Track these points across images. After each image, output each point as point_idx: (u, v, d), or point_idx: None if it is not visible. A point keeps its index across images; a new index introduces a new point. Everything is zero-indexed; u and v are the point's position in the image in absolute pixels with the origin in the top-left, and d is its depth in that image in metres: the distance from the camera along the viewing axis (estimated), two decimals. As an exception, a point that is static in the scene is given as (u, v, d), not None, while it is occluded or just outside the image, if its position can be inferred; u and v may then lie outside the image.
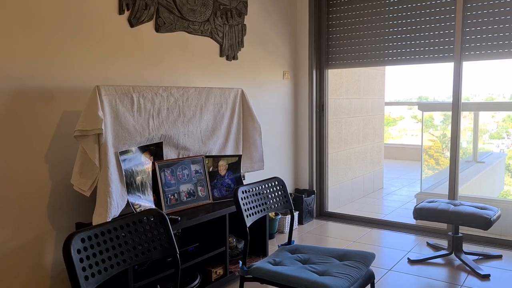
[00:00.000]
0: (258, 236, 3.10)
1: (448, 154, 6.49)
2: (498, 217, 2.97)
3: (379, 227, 4.04)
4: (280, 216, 3.82)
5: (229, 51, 3.30)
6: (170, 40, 2.86)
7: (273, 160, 4.02)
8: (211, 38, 3.15)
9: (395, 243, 3.57)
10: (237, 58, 3.39)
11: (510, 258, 3.21)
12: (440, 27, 3.57)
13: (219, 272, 2.71)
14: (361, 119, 5.44)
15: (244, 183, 2.96)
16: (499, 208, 3.06)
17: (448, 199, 3.62)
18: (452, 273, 2.96)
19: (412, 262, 3.15)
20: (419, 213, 3.11)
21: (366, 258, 1.94)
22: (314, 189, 4.33)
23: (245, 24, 3.44)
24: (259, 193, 2.04)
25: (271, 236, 3.71)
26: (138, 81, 2.67)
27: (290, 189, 4.31)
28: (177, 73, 2.94)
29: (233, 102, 3.01)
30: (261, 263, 1.92)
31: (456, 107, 3.55)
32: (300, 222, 4.11)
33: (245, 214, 1.88)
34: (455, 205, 3.13)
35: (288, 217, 3.88)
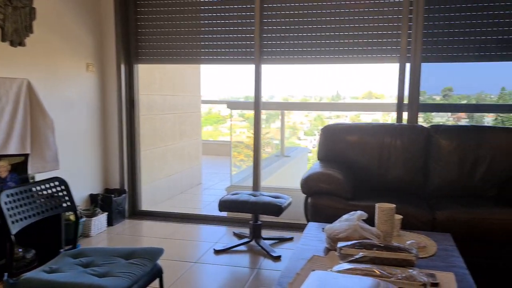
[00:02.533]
0: (55, 243, 2.81)
1: (268, 150, 7.03)
2: (289, 204, 3.29)
3: (193, 221, 4.10)
4: (84, 219, 3.55)
5: (14, 36, 2.91)
6: None
7: (77, 159, 3.71)
8: (-11, 19, 2.73)
9: (205, 236, 3.67)
10: (24, 45, 3.01)
11: (299, 238, 3.59)
12: (243, 30, 3.77)
13: (-1, 289, 2.36)
14: (177, 116, 5.45)
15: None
16: (290, 196, 3.39)
17: (253, 190, 3.87)
18: (252, 258, 3.17)
19: (217, 252, 3.27)
20: (223, 205, 3.24)
21: (152, 254, 1.90)
22: (126, 188, 4.16)
23: (34, 8, 3.07)
24: (32, 196, 1.83)
25: (72, 242, 3.41)
26: None
27: (98, 189, 4.05)
28: None
29: (17, 94, 2.66)
30: (33, 273, 1.71)
31: (257, 105, 3.81)
32: (110, 224, 3.89)
33: (10, 220, 1.65)
34: (255, 195, 3.35)
35: (96, 218, 3.63)
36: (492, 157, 3.05)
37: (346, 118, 7.00)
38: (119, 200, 3.98)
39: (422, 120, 4.83)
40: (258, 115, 3.82)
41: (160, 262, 2.00)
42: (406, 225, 2.67)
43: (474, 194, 3.07)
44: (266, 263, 3.09)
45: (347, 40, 3.57)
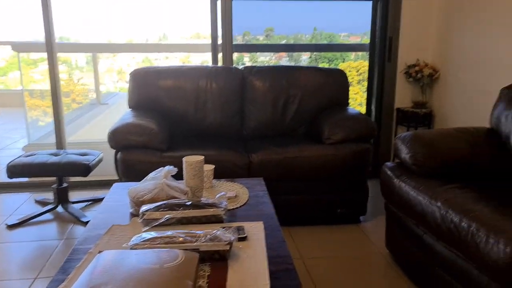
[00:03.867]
0: None
1: (93, 96, 6.21)
2: (100, 160, 2.93)
3: (-16, 192, 3.40)
4: None
5: None
6: None
7: None
8: None
9: (-1, 208, 3.07)
10: None
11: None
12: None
13: None
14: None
15: None
16: (102, 152, 3.01)
17: (56, 148, 3.35)
18: (59, 228, 2.77)
19: (11, 227, 2.76)
20: (13, 170, 2.71)
21: None
22: None
23: None
24: None
25: None
26: None
27: None
28: None
29: None
30: None
31: (50, 47, 3.20)
32: None
33: None
34: (57, 155, 2.88)
35: None
36: (301, 97, 3.17)
37: (176, 59, 6.65)
38: None
39: (248, 60, 4.82)
40: (52, 57, 3.23)
41: None
42: (224, 172, 2.60)
43: (287, 133, 3.18)
44: (76, 230, 2.73)
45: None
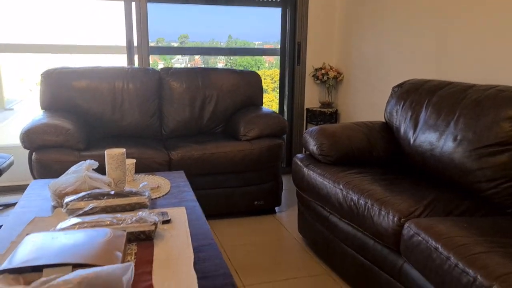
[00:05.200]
0: None
1: None
2: (11, 163, 2.82)
3: None
4: None
5: None
6: None
7: None
8: None
9: None
10: None
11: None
12: None
13: None
14: None
15: None
16: (12, 154, 2.91)
17: (-41, 152, 3.15)
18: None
19: None
20: None
21: None
22: None
23: None
24: None
25: None
26: None
27: None
28: None
29: None
30: None
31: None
32: None
33: None
34: (-38, 158, 2.73)
35: None
36: (217, 97, 3.32)
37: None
38: None
39: (163, 66, 4.85)
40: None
41: None
42: (145, 169, 2.67)
43: (205, 132, 3.31)
44: (-13, 235, 2.61)
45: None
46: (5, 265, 0.99)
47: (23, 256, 1.02)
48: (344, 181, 2.11)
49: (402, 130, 2.45)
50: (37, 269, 0.98)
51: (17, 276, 0.96)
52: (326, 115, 3.77)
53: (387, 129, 2.60)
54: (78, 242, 1.10)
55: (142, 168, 2.66)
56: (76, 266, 1.00)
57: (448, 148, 2.07)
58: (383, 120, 2.72)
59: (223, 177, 2.90)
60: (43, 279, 0.89)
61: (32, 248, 1.07)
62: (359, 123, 2.62)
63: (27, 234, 1.18)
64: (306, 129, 3.99)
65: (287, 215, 3.09)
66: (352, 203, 1.98)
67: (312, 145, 2.46)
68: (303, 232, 2.62)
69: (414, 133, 2.34)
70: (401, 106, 2.51)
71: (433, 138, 2.18)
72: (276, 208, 3.18)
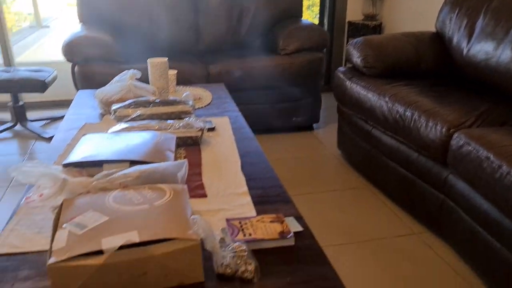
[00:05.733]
0: None
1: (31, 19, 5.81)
2: (55, 78, 2.88)
3: None
4: None
5: None
6: None
7: None
8: None
9: (-49, 130, 2.99)
10: None
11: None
12: None
13: None
14: None
15: None
16: (55, 69, 2.95)
17: (4, 66, 3.23)
18: (21, 144, 2.76)
19: (-29, 146, 2.73)
20: (-37, 88, 2.62)
21: None
22: None
23: None
24: None
25: None
26: None
27: None
28: None
29: None
30: None
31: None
32: None
33: None
34: (8, 71, 2.80)
35: None
36: (255, 9, 3.18)
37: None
38: None
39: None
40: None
41: None
42: (183, 83, 2.66)
43: (242, 46, 3.23)
44: (39, 146, 2.75)
45: None
46: (69, 159, 1.03)
47: (84, 153, 1.06)
48: (390, 93, 2.04)
49: (454, 40, 2.30)
50: (98, 164, 1.02)
51: (81, 170, 1.00)
52: (370, 28, 3.58)
53: (438, 39, 2.45)
54: (132, 142, 1.13)
55: (181, 82, 2.66)
56: (132, 163, 1.03)
57: (505, 58, 1.93)
58: (433, 31, 2.56)
59: (261, 92, 2.87)
60: (104, 172, 0.92)
61: (90, 146, 1.10)
62: (407, 33, 2.48)
63: (83, 135, 1.22)
64: (347, 44, 3.83)
65: (325, 132, 3.08)
66: (397, 116, 1.93)
67: (356, 57, 2.36)
68: (342, 148, 2.61)
69: (468, 42, 2.19)
70: (455, 13, 2.33)
71: (489, 48, 2.04)
72: (314, 125, 3.16)
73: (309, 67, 2.86)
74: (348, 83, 2.34)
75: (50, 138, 2.79)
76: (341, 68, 2.49)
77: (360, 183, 2.34)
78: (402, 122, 1.90)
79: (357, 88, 2.25)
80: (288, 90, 2.91)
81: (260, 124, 2.96)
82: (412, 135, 1.84)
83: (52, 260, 0.69)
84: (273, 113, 2.95)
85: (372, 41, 2.36)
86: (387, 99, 2.02)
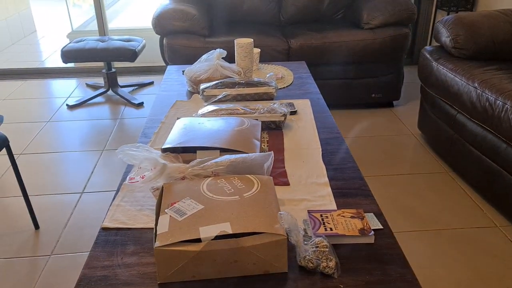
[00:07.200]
0: None
1: None
2: (143, 47, 3.05)
3: (36, 77, 3.63)
4: None
5: None
6: None
7: None
8: None
9: (54, 92, 3.31)
10: None
11: (159, 82, 3.48)
12: None
13: None
14: None
15: None
16: (144, 38, 3.12)
17: (99, 35, 3.47)
18: (112, 109, 3.00)
19: (71, 107, 3.01)
20: (67, 55, 2.87)
21: (-12, 125, 1.63)
22: None
23: None
24: None
25: None
26: None
27: None
28: None
29: None
30: None
31: None
32: None
33: None
34: (103, 41, 3.01)
35: None
36: (339, -21, 3.09)
37: None
38: None
39: None
40: None
41: (3, 129, 1.74)
42: (264, 57, 2.70)
43: (324, 19, 3.17)
44: (128, 111, 2.97)
45: None
46: (166, 144, 1.13)
47: (179, 138, 1.16)
48: (480, 79, 1.93)
49: (560, 22, 2.10)
50: (191, 150, 1.12)
51: (176, 155, 1.10)
52: (462, 0, 3.34)
53: (540, 19, 2.24)
54: (221, 129, 1.21)
55: (261, 56, 2.70)
56: (222, 150, 1.11)
57: None
58: (536, 8, 2.34)
59: (341, 67, 2.84)
60: (198, 159, 1.01)
61: (184, 131, 1.20)
62: (506, 10, 2.29)
63: (177, 118, 1.32)
64: (434, 16, 3.61)
65: (406, 109, 2.99)
66: (487, 103, 1.83)
67: (445, 37, 2.24)
68: (423, 129, 2.54)
69: None
70: None
71: None
72: (394, 102, 3.08)
73: (393, 43, 2.76)
74: (434, 64, 2.24)
75: (139, 104, 3.00)
76: (428, 48, 2.38)
77: (439, 167, 2.28)
78: (492, 111, 1.80)
79: (444, 71, 2.15)
80: (369, 66, 2.85)
81: (338, 99, 2.95)
82: (502, 126, 1.75)
83: (157, 244, 0.79)
84: (352, 89, 2.91)
85: (465, 20, 2.22)
86: (476, 84, 1.92)
